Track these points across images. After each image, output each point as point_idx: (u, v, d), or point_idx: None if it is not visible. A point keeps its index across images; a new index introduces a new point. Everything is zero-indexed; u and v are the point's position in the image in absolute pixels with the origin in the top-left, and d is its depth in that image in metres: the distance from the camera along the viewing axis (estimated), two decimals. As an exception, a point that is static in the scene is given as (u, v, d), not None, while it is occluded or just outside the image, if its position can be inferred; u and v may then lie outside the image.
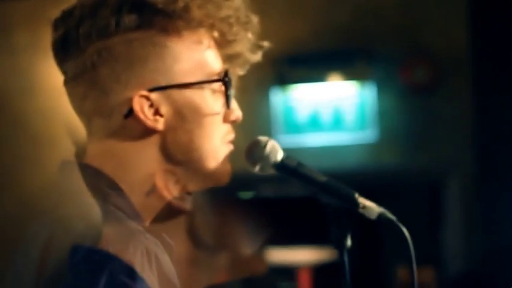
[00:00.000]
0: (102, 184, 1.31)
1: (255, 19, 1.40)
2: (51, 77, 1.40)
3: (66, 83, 1.38)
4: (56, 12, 1.39)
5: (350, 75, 5.20)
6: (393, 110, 5.20)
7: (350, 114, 5.24)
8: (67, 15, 1.36)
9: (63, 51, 1.35)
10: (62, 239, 1.21)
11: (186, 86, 1.33)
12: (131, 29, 1.31)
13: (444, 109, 5.18)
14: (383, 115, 5.20)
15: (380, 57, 5.20)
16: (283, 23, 5.21)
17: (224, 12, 1.36)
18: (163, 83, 1.32)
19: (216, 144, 1.37)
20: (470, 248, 5.17)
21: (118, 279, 1.15)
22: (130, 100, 1.31)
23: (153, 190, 1.35)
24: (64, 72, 1.38)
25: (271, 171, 1.43)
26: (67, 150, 1.40)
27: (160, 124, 1.33)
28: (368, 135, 5.22)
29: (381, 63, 5.20)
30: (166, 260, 1.22)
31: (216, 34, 1.37)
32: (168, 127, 1.33)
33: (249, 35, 1.40)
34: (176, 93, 1.33)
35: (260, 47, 1.43)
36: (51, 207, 1.31)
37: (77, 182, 1.31)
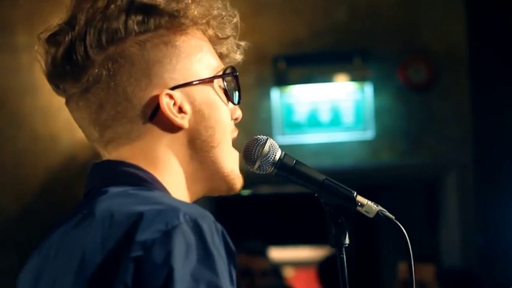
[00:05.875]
0: (144, 182, 1.30)
1: (236, 18, 1.42)
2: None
3: (72, 98, 1.35)
4: (56, 12, 1.36)
5: (348, 75, 5.22)
6: (391, 108, 5.22)
7: (348, 113, 5.25)
8: (66, 27, 1.33)
9: (68, 66, 1.33)
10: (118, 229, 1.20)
11: (204, 81, 1.35)
12: (140, 33, 1.32)
13: (441, 107, 5.20)
14: (380, 113, 5.21)
15: (377, 56, 5.22)
16: (282, 22, 5.22)
17: (216, 10, 1.38)
18: (181, 81, 1.33)
19: (229, 141, 1.38)
20: (467, 245, 5.18)
21: (222, 234, 1.18)
22: (153, 101, 1.31)
23: (184, 190, 1.35)
24: (64, 91, 1.35)
25: (269, 170, 1.43)
26: (67, 149, 1.40)
27: (186, 121, 1.33)
28: (366, 133, 5.24)
29: (379, 62, 5.21)
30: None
31: (211, 32, 1.40)
32: (192, 124, 1.33)
33: (234, 34, 1.42)
34: (193, 91, 1.34)
35: (239, 46, 1.44)
36: (99, 204, 1.27)
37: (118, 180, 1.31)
